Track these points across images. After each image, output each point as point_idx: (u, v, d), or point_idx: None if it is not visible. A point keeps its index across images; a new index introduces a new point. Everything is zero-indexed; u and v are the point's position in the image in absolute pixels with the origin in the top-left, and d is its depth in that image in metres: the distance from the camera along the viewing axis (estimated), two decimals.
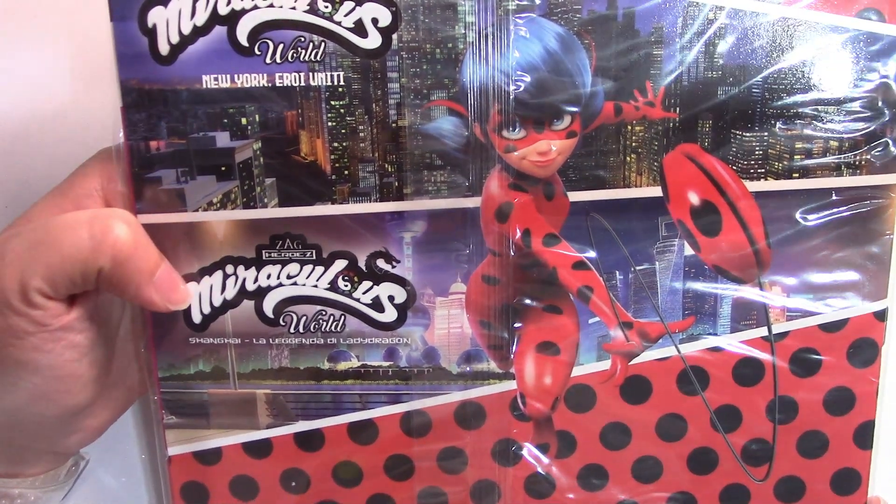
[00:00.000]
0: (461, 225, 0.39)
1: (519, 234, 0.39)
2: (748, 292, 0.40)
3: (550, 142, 0.38)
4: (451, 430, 0.42)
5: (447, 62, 0.38)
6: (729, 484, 0.42)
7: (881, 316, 0.40)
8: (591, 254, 0.40)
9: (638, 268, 0.40)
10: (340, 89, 0.38)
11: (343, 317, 0.41)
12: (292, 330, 0.41)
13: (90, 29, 0.38)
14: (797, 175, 0.39)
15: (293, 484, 0.43)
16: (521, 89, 0.38)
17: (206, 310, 0.41)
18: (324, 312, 0.41)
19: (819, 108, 0.38)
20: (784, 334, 0.40)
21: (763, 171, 0.39)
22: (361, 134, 0.39)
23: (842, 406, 0.41)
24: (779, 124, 0.38)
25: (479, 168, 0.39)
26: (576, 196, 0.39)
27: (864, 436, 0.42)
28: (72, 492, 0.44)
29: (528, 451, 0.42)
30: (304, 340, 0.41)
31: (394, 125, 0.38)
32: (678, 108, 0.38)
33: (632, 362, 0.41)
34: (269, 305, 0.41)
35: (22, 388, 0.38)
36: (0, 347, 0.37)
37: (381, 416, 0.42)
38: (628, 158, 0.39)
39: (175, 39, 0.38)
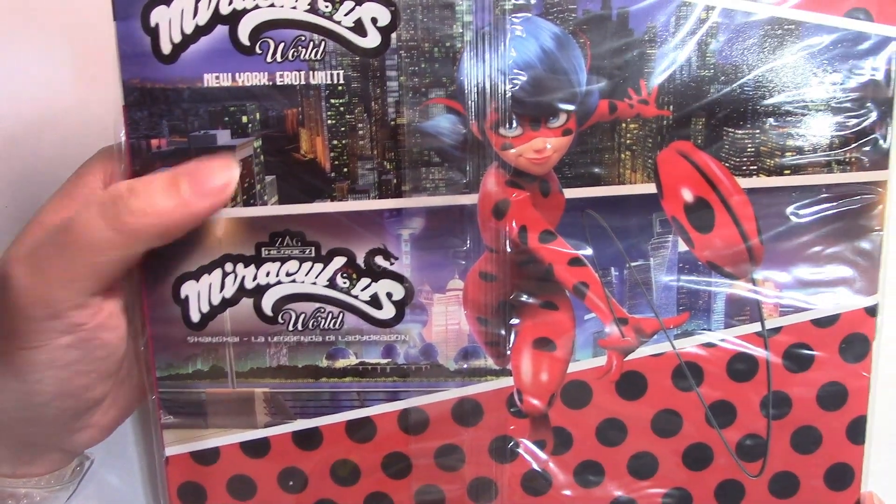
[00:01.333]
0: (459, 222, 0.40)
1: (515, 230, 0.40)
2: (741, 288, 0.41)
3: (546, 139, 0.39)
4: (449, 428, 0.42)
5: (445, 61, 0.38)
6: (724, 479, 0.42)
7: (872, 311, 0.41)
8: (587, 250, 0.40)
9: (633, 264, 0.40)
10: (340, 88, 0.39)
11: (341, 314, 0.41)
12: (291, 328, 0.41)
13: (91, 28, 0.38)
14: (788, 172, 0.39)
15: (291, 483, 0.43)
16: (518, 87, 0.38)
17: (205, 308, 0.41)
18: (322, 310, 0.41)
19: (809, 105, 0.39)
20: (777, 329, 0.41)
21: (755, 167, 0.39)
22: (360, 132, 0.39)
23: (834, 401, 0.42)
24: (770, 122, 0.39)
25: (477, 165, 0.39)
26: (571, 193, 0.40)
27: (856, 431, 0.42)
28: (76, 493, 0.44)
29: (525, 447, 0.42)
30: (302, 338, 0.42)
31: (392, 123, 0.39)
32: (672, 106, 0.39)
33: (627, 358, 0.41)
34: (267, 303, 0.41)
35: (48, 385, 0.38)
36: (35, 345, 0.37)
37: (379, 413, 0.42)
38: (623, 156, 0.39)
39: (177, 38, 0.38)
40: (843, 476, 0.43)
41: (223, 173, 0.38)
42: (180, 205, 0.37)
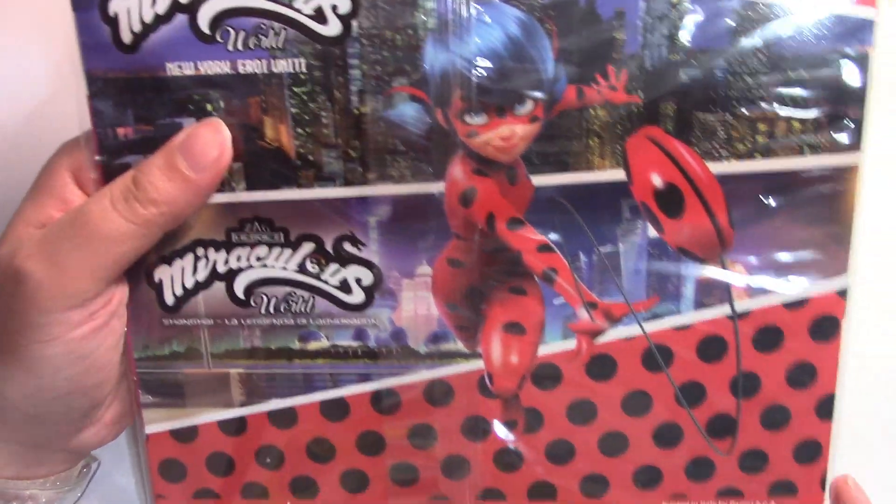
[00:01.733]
0: (425, 209, 0.40)
1: (483, 218, 0.40)
2: (711, 272, 0.40)
3: (513, 127, 0.38)
4: (421, 408, 0.43)
5: (408, 49, 0.38)
6: (694, 457, 0.43)
7: (842, 293, 0.41)
8: (556, 237, 0.40)
9: (602, 250, 0.40)
10: (302, 76, 0.38)
11: (312, 298, 0.41)
12: (263, 311, 0.42)
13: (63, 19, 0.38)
14: (759, 156, 0.39)
15: (268, 460, 0.44)
16: (483, 75, 0.38)
17: (179, 292, 0.42)
18: (293, 294, 0.41)
19: (781, 89, 0.38)
20: (747, 312, 0.41)
21: (726, 152, 0.39)
22: (324, 120, 0.39)
23: (804, 380, 0.42)
24: (741, 106, 0.38)
25: (443, 153, 0.39)
26: (539, 180, 0.39)
27: (825, 408, 0.42)
28: (84, 495, 0.45)
29: (497, 427, 0.43)
30: (274, 321, 0.42)
31: (356, 111, 0.39)
32: (641, 92, 0.38)
33: (597, 341, 0.41)
34: (239, 287, 0.41)
35: (62, 379, 0.39)
36: (50, 339, 0.38)
37: (352, 394, 0.43)
38: (591, 142, 0.39)
39: (137, 28, 0.38)
40: (811, 451, 0.43)
41: (215, 137, 0.38)
42: (185, 184, 0.38)
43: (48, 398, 0.39)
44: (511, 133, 0.38)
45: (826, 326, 0.41)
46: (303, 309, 0.42)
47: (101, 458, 0.46)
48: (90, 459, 0.46)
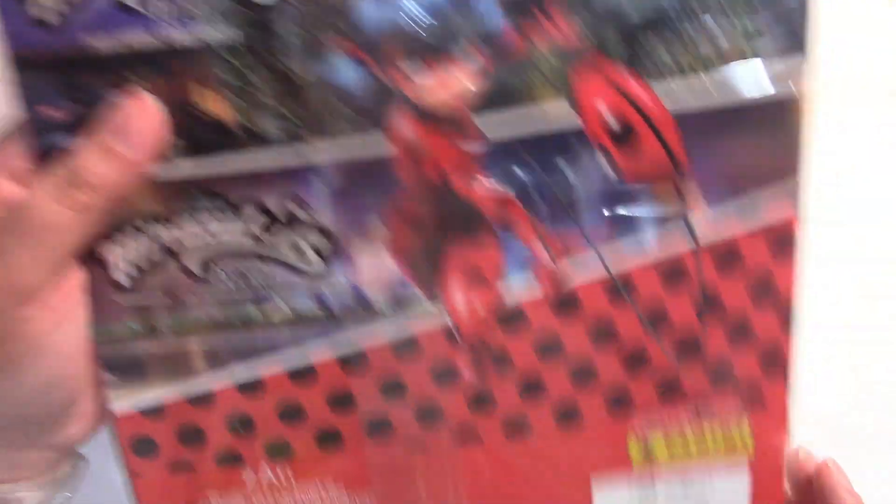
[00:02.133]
0: (374, 167, 0.39)
1: (435, 171, 0.39)
2: (670, 202, 0.40)
3: (457, 77, 0.37)
4: (389, 365, 0.42)
5: (343, 7, 0.36)
6: (664, 380, 0.44)
7: (796, 209, 0.41)
8: (510, 184, 0.39)
9: (559, 193, 0.40)
10: (235, 44, 0.36)
11: (267, 267, 0.41)
12: (219, 283, 0.41)
13: None
14: (707, 76, 0.38)
15: (239, 428, 0.44)
16: (422, 26, 0.36)
17: (129, 269, 0.41)
18: (248, 264, 0.41)
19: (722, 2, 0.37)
20: (706, 237, 0.41)
21: (670, 70, 0.38)
22: (260, 87, 0.37)
23: (765, 294, 0.43)
24: (683, 23, 0.37)
25: (387, 110, 0.38)
26: (489, 130, 0.38)
27: (785, 318, 0.43)
28: (74, 496, 0.45)
29: (467, 373, 0.43)
30: (232, 292, 0.41)
31: (293, 75, 0.37)
32: (584, 26, 0.37)
33: (560, 282, 0.41)
34: (192, 261, 0.41)
35: (32, 377, 0.38)
36: (9, 339, 0.37)
37: (318, 359, 0.42)
38: (539, 84, 0.38)
39: (58, 4, 0.36)
40: (774, 360, 0.44)
41: (147, 114, 0.37)
42: (121, 165, 0.37)
43: (23, 398, 0.39)
44: (455, 83, 0.37)
45: (783, 242, 0.41)
46: (259, 278, 0.41)
47: (88, 456, 0.45)
48: (77, 459, 0.45)
